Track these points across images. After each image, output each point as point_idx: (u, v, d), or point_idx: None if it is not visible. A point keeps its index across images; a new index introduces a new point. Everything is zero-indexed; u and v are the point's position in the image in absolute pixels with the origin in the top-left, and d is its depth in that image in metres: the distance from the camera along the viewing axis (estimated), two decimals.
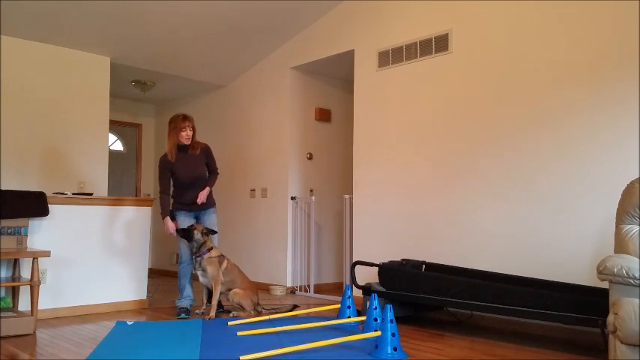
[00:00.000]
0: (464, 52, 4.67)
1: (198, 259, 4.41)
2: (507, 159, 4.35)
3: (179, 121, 4.55)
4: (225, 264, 4.47)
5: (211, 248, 4.46)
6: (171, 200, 4.66)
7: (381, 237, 5.19)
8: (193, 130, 4.61)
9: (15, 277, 4.17)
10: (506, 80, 4.39)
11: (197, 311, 4.55)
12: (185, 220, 4.58)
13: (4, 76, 5.35)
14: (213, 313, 4.31)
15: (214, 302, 4.35)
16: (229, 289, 4.48)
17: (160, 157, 4.69)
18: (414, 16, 5.05)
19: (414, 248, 4.87)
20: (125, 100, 7.94)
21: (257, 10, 5.49)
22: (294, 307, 4.61)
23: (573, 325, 3.86)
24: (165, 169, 4.58)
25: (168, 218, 4.54)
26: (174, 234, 4.56)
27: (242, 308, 4.46)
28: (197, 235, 4.42)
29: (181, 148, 4.59)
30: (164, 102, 8.15)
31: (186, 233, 4.44)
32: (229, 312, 4.56)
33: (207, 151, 4.70)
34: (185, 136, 4.53)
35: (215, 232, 4.58)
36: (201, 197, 4.56)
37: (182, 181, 4.57)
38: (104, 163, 6.06)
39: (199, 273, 4.44)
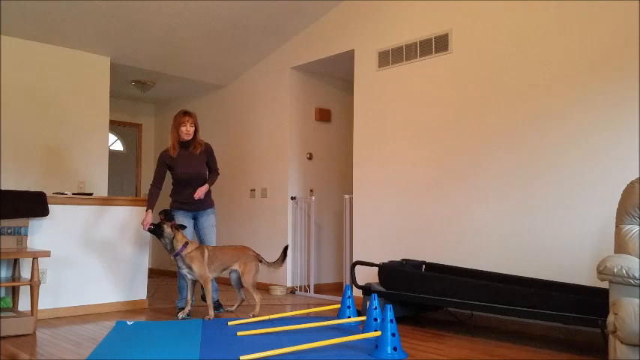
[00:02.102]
0: (464, 52, 4.67)
1: (177, 257, 4.31)
2: (507, 159, 4.35)
3: (179, 116, 4.55)
4: (206, 254, 4.36)
5: (187, 243, 4.34)
6: (170, 200, 4.66)
7: (381, 237, 5.19)
8: (195, 126, 4.56)
9: (15, 277, 4.17)
10: (506, 80, 4.39)
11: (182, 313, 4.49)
12: (183, 221, 4.55)
13: (4, 76, 5.35)
14: (211, 313, 4.28)
15: (209, 301, 4.30)
16: (225, 269, 4.43)
17: (159, 153, 4.66)
18: (414, 16, 5.05)
19: (414, 248, 4.87)
20: (125, 100, 7.94)
21: (257, 10, 5.49)
22: (286, 248, 4.70)
23: (573, 325, 3.86)
24: (163, 163, 4.56)
25: (150, 212, 4.45)
26: (146, 229, 4.42)
27: (256, 292, 4.43)
28: (167, 229, 4.31)
29: (183, 145, 4.58)
30: (164, 102, 8.15)
31: (156, 229, 4.33)
32: (230, 312, 4.56)
33: (208, 151, 4.68)
34: (185, 131, 4.50)
35: (184, 227, 4.46)
36: (199, 193, 4.51)
37: (181, 178, 4.56)
38: (104, 163, 6.06)
39: (185, 271, 4.34)
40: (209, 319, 4.23)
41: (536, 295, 3.45)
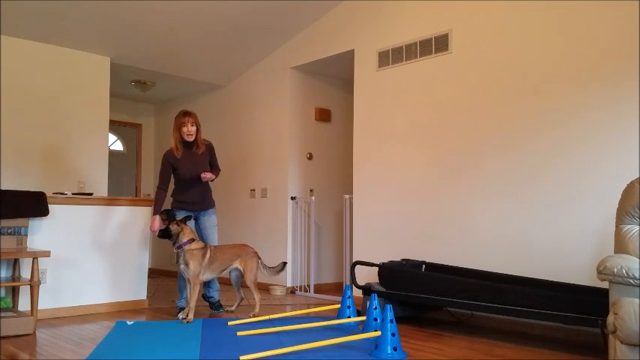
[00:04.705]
0: (464, 52, 4.67)
1: (179, 250, 4.25)
2: (507, 159, 4.35)
3: (180, 116, 4.54)
4: (208, 254, 4.31)
5: (193, 239, 4.30)
6: (172, 200, 4.66)
7: (381, 237, 5.19)
8: (197, 126, 4.54)
9: (15, 277, 4.17)
10: (506, 80, 4.39)
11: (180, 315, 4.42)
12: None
13: (5, 76, 5.35)
14: (191, 316, 4.16)
15: (192, 304, 4.19)
16: (225, 268, 4.42)
17: (162, 154, 4.64)
18: (414, 16, 5.05)
19: (414, 248, 4.87)
20: (125, 100, 7.94)
21: (257, 10, 5.49)
22: (284, 265, 4.71)
23: (573, 325, 3.86)
24: (168, 163, 4.54)
25: (157, 217, 4.44)
26: (156, 233, 4.42)
27: (257, 291, 4.43)
28: (173, 226, 4.27)
29: (186, 145, 4.57)
30: (164, 102, 8.15)
31: (165, 233, 4.30)
32: (230, 312, 4.55)
33: (210, 149, 4.69)
34: (186, 132, 4.49)
35: (190, 218, 4.44)
36: (207, 176, 4.47)
37: (183, 178, 4.55)
38: (104, 163, 6.06)
39: (182, 267, 4.27)
40: (188, 322, 4.11)
41: (536, 295, 3.45)
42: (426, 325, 4.15)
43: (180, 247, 4.26)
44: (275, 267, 4.66)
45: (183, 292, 4.59)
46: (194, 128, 4.53)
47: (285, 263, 4.74)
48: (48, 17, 5.16)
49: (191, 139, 4.53)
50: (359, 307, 4.35)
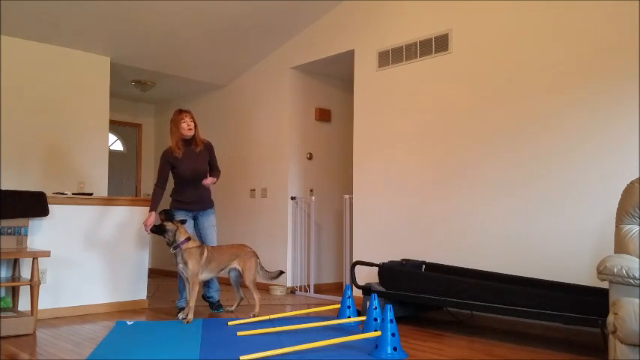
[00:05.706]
0: (464, 52, 4.67)
1: (176, 250, 4.24)
2: (507, 159, 4.35)
3: (177, 114, 4.55)
4: (205, 254, 4.30)
5: (189, 238, 4.29)
6: (171, 199, 4.65)
7: (381, 237, 5.19)
8: (194, 122, 4.55)
9: (15, 277, 4.17)
10: (506, 80, 4.39)
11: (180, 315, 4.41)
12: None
13: (5, 76, 5.35)
14: (191, 316, 4.16)
15: (192, 303, 4.19)
16: (223, 268, 4.41)
17: (162, 153, 4.63)
18: (414, 16, 5.05)
19: (414, 248, 4.87)
20: (125, 100, 7.94)
21: (257, 10, 5.49)
22: (281, 273, 4.69)
23: (573, 325, 3.86)
24: (167, 162, 4.53)
25: (153, 213, 4.43)
26: (148, 231, 4.43)
27: (256, 291, 4.43)
28: (169, 225, 4.27)
29: (185, 143, 4.57)
30: (164, 102, 8.15)
31: (158, 228, 4.29)
32: (230, 312, 4.55)
33: (209, 148, 4.68)
34: (186, 127, 4.49)
35: (185, 222, 4.41)
36: (208, 181, 4.53)
37: (183, 177, 4.54)
38: (104, 163, 6.06)
39: (181, 267, 4.26)
40: (188, 322, 4.11)
41: (536, 294, 3.45)
42: (426, 325, 4.15)
43: (177, 246, 4.25)
44: (271, 272, 4.64)
45: (182, 292, 4.58)
46: (193, 123, 4.54)
47: (281, 272, 4.71)
48: (48, 17, 5.16)
49: (191, 133, 4.52)
50: (359, 307, 4.35)
